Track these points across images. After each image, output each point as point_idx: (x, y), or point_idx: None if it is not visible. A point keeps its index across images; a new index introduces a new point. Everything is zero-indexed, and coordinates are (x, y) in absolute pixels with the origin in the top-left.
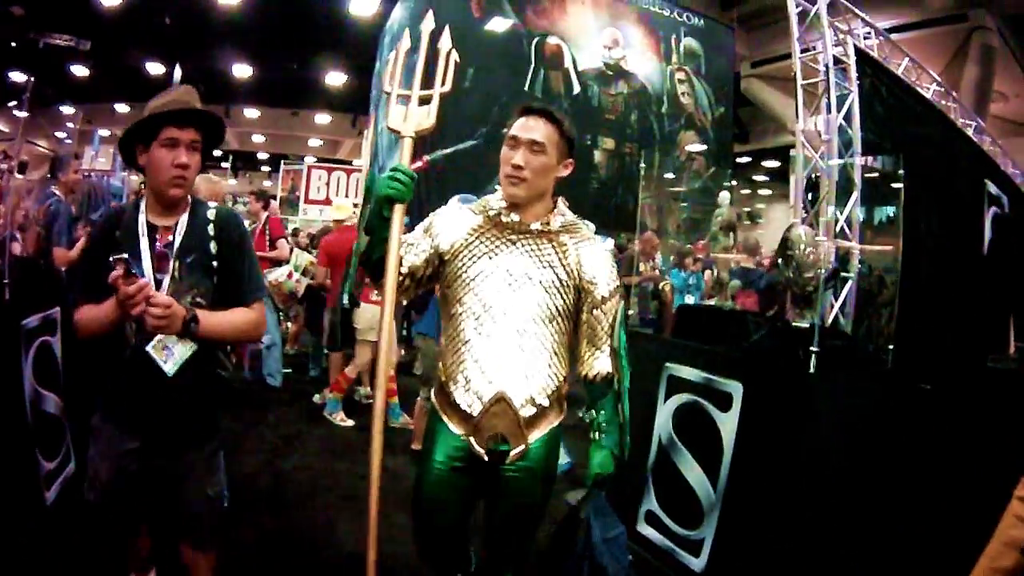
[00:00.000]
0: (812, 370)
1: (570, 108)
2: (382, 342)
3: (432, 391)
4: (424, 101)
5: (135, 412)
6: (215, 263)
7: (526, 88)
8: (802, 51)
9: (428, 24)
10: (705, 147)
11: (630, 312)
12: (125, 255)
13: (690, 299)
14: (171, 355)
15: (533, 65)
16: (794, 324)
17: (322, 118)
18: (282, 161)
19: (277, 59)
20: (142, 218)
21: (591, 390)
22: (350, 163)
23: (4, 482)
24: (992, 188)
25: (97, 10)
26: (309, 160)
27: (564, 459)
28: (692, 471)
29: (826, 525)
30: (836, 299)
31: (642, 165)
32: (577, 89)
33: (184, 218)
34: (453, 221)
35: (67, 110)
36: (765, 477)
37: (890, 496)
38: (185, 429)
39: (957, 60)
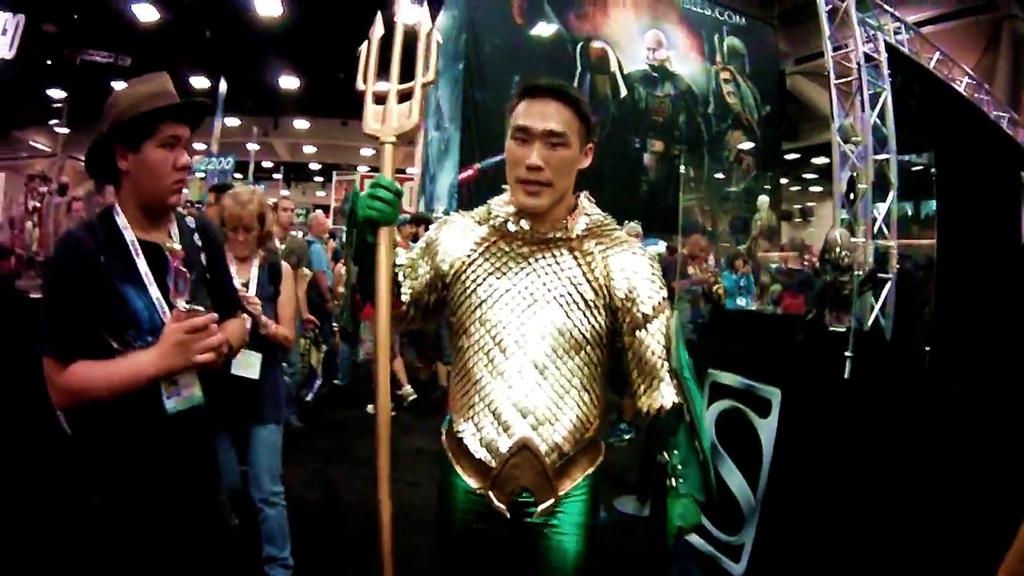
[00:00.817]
0: (847, 375)
1: (618, 111)
2: (381, 392)
3: (443, 431)
4: (405, 96)
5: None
6: (208, 276)
7: None
8: (834, 49)
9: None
10: (753, 145)
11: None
12: (188, 304)
13: (741, 301)
14: (177, 392)
15: (579, 69)
16: (831, 328)
17: None
18: (334, 172)
19: (324, 69)
20: (129, 235)
21: (657, 428)
22: (403, 171)
23: None
24: None
25: (136, 26)
26: (362, 169)
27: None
28: (733, 477)
29: (860, 531)
30: (876, 300)
31: (682, 168)
32: (624, 92)
33: (175, 230)
34: (456, 234)
35: None
36: (803, 483)
37: (925, 500)
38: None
39: (989, 51)
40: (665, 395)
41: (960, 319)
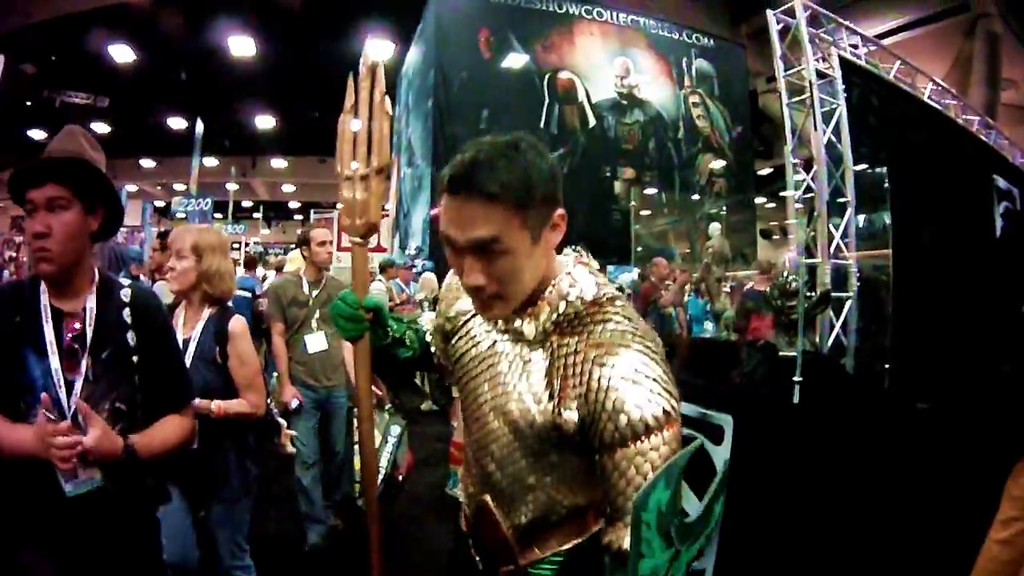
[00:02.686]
0: (796, 400)
1: (587, 141)
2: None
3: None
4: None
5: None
6: (135, 358)
7: (541, 125)
8: (786, 68)
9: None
10: (724, 165)
11: None
12: (49, 395)
13: (709, 326)
14: (72, 477)
15: (547, 101)
16: (780, 354)
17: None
18: (311, 210)
19: (299, 108)
20: (44, 299)
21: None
22: (382, 207)
23: None
24: (1001, 183)
25: (113, 68)
26: (340, 207)
27: None
28: (690, 503)
29: (818, 551)
30: (837, 319)
31: (632, 204)
32: (593, 122)
33: (91, 301)
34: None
35: None
36: (758, 506)
37: (886, 519)
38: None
39: (965, 54)
40: (613, 536)
41: (922, 336)
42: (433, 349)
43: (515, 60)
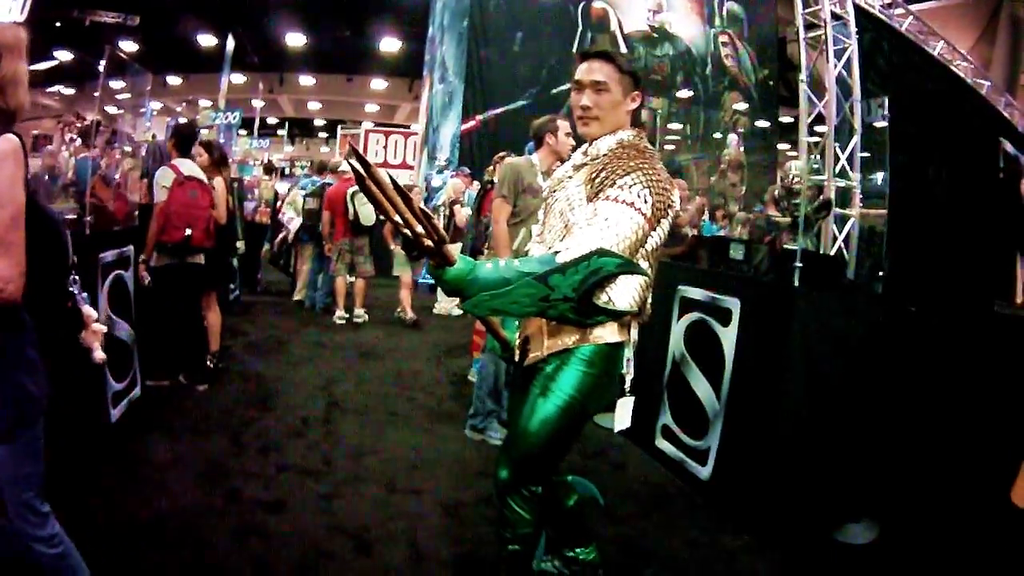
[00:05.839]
0: (796, 284)
1: None
2: None
3: None
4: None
5: None
6: None
7: (573, 51)
8: (804, 6)
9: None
10: (748, 106)
11: None
12: None
13: None
14: None
15: (580, 28)
16: (785, 246)
17: (378, 83)
18: (338, 127)
19: (330, 26)
20: None
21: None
22: (407, 127)
23: (74, 397)
24: (1008, 147)
25: None
26: (366, 125)
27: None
28: (700, 383)
29: (817, 431)
30: (840, 233)
31: (643, 110)
32: (624, 51)
33: None
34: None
35: (117, 84)
36: (761, 386)
37: (878, 407)
38: None
39: (987, 35)
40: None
41: (917, 254)
42: None
43: None
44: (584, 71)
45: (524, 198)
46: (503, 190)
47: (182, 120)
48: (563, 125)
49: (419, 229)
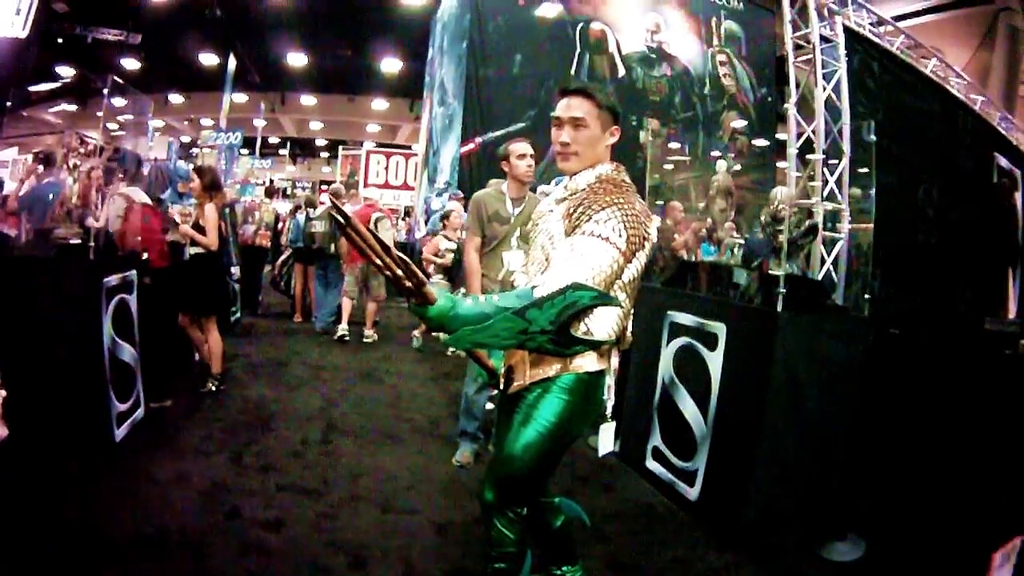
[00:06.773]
0: (780, 308)
1: (615, 91)
2: None
3: None
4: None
5: None
6: None
7: (572, 72)
8: (794, 30)
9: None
10: (746, 124)
11: None
12: None
13: None
14: None
15: (579, 50)
16: (770, 271)
17: (379, 104)
18: (340, 147)
19: (331, 46)
20: None
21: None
22: (408, 147)
23: (79, 417)
24: (1003, 161)
25: (145, 3)
26: (368, 145)
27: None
28: (688, 406)
29: (801, 452)
30: (828, 255)
31: (641, 131)
32: (622, 72)
33: None
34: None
35: (119, 102)
36: (746, 409)
37: (863, 426)
38: None
39: (985, 45)
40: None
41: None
42: None
43: (549, 8)
44: (563, 107)
45: (491, 227)
46: (470, 222)
47: (184, 139)
48: (516, 148)
49: (399, 272)
